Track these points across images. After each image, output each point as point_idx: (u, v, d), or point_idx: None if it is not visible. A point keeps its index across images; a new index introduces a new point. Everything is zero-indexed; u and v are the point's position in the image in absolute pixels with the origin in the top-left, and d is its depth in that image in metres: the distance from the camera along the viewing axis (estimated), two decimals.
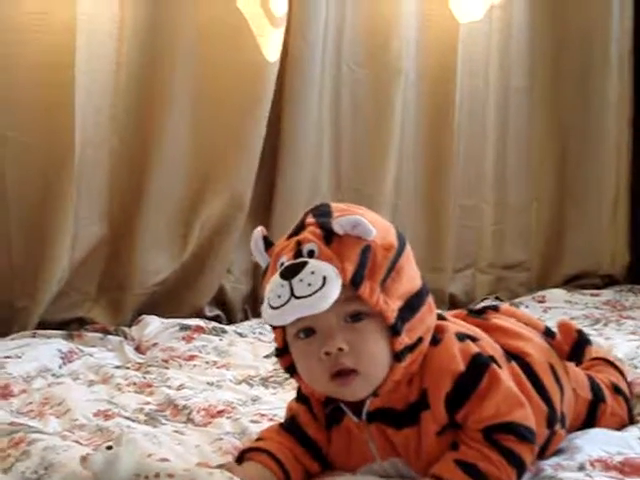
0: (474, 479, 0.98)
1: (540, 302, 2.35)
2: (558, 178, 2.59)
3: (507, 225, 2.54)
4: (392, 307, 0.98)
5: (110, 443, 1.02)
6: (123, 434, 1.15)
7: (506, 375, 1.04)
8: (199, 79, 2.04)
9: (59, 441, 1.10)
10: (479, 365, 1.03)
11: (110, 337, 1.83)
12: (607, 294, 2.43)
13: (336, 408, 1.07)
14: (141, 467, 0.97)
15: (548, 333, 1.17)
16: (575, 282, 2.55)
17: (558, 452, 1.10)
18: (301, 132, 2.17)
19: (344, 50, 2.25)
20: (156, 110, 2.01)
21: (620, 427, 1.21)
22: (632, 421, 1.23)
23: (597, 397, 1.20)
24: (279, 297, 0.97)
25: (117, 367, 1.62)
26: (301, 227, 1.02)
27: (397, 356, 1.00)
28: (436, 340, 1.04)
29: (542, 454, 1.08)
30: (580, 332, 1.15)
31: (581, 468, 1.05)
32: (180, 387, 1.48)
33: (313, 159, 2.22)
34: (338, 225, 0.99)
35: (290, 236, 1.02)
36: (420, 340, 1.01)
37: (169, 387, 1.48)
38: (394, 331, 0.99)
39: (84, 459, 0.98)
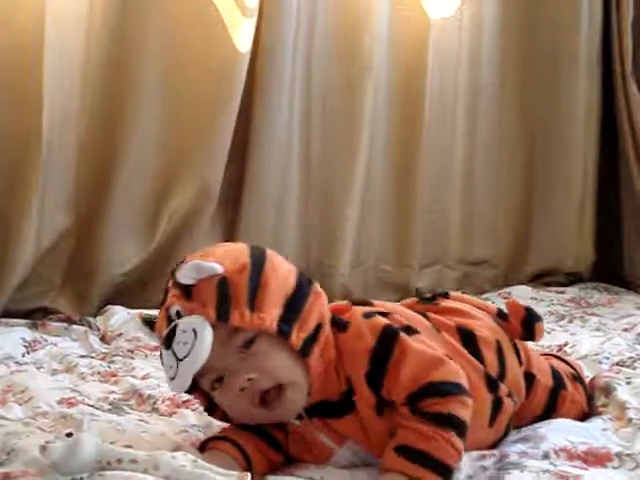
0: (418, 462, 0.98)
1: (505, 298, 2.36)
2: (526, 176, 2.60)
3: (475, 222, 2.55)
4: (270, 318, 1.01)
5: (70, 430, 1.01)
6: (84, 420, 1.14)
7: (418, 340, 1.05)
8: (170, 69, 2.03)
9: (21, 427, 1.09)
10: (388, 336, 1.04)
11: (75, 327, 1.81)
12: (572, 291, 2.45)
13: None
14: (103, 453, 0.96)
15: (500, 315, 1.19)
16: (541, 279, 2.56)
17: (523, 440, 1.11)
18: (271, 123, 2.17)
19: (315, 44, 2.25)
20: (126, 99, 1.99)
21: (580, 416, 1.22)
22: (592, 412, 1.25)
23: (558, 384, 1.22)
24: (170, 367, 1.01)
25: (82, 357, 1.60)
26: (166, 293, 1.06)
27: (303, 352, 1.02)
28: (344, 325, 1.07)
29: (491, 425, 1.09)
30: (528, 309, 1.18)
31: (545, 456, 1.05)
32: (145, 377, 1.47)
33: (283, 151, 2.21)
34: (183, 278, 1.03)
35: (161, 305, 1.06)
36: (319, 327, 1.04)
37: (134, 377, 1.46)
38: (284, 336, 1.01)
39: (44, 448, 0.97)
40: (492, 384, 1.10)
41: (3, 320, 1.81)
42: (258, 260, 1.05)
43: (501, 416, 1.11)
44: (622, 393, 1.26)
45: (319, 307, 1.05)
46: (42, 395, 1.27)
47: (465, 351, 1.10)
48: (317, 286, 1.08)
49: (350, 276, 2.32)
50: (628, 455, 1.04)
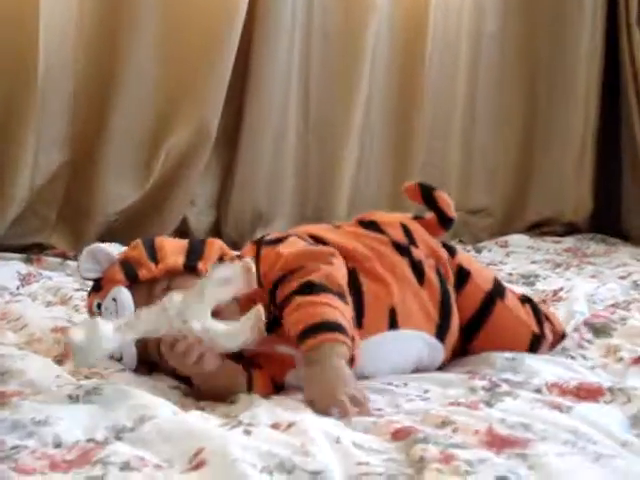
0: (310, 336, 1.01)
1: (502, 247, 2.37)
2: (526, 125, 2.59)
3: (473, 170, 2.54)
4: (173, 260, 1.14)
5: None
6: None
7: (285, 245, 1.13)
8: (167, 6, 2.00)
9: (15, 351, 1.09)
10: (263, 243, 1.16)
11: (69, 262, 1.80)
12: (569, 241, 2.45)
13: None
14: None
15: (416, 218, 1.26)
16: (538, 229, 2.56)
17: (512, 370, 1.12)
18: (270, 63, 2.15)
19: None
20: (123, 36, 1.97)
21: (528, 337, 1.22)
22: (556, 343, 1.26)
23: (496, 291, 1.23)
24: None
25: (76, 290, 1.60)
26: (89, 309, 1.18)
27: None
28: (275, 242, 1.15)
29: (421, 284, 1.15)
30: (421, 184, 1.28)
31: (537, 391, 1.06)
32: None
33: (282, 92, 2.19)
34: (86, 272, 1.17)
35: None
36: (222, 258, 1.15)
37: None
38: (191, 269, 1.13)
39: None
40: (402, 249, 1.18)
41: None
42: (147, 238, 1.20)
43: (428, 275, 1.17)
44: (617, 337, 1.27)
45: (217, 247, 1.18)
46: (36, 323, 1.27)
47: (366, 231, 1.20)
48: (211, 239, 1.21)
49: (347, 217, 2.31)
50: (620, 390, 1.04)
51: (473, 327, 1.22)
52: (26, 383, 0.98)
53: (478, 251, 2.33)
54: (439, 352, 1.18)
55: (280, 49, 2.15)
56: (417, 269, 1.17)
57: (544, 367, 1.14)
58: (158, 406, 0.93)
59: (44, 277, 1.68)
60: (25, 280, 1.65)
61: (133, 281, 1.13)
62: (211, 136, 2.06)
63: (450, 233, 2.45)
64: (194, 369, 1.03)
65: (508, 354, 1.19)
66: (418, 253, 1.19)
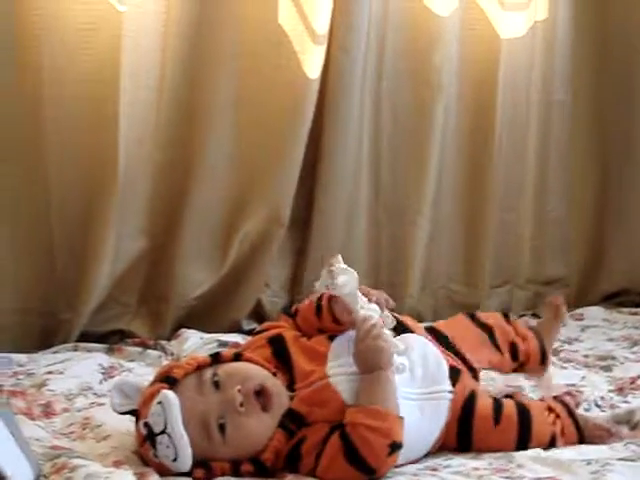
0: None
1: (578, 320, 2.34)
2: (599, 193, 2.56)
3: (546, 240, 2.52)
4: (203, 357, 1.33)
5: None
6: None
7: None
8: (240, 96, 2.06)
9: (100, 467, 1.13)
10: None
11: (149, 351, 1.85)
12: None
13: None
14: None
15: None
16: (614, 299, 2.53)
17: None
18: (341, 147, 2.18)
19: (385, 65, 2.25)
20: (198, 126, 2.03)
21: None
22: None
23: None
24: (167, 449, 1.21)
25: None
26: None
27: None
28: None
29: None
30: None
31: None
32: None
33: (352, 174, 2.23)
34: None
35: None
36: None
37: None
38: (216, 360, 1.31)
39: None
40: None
41: (82, 344, 1.87)
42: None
43: None
44: None
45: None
46: (116, 429, 1.31)
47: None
48: None
49: (419, 297, 2.33)
50: None
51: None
52: None
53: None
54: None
55: (350, 132, 2.19)
56: None
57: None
58: None
59: (125, 369, 1.73)
60: (107, 373, 1.69)
61: (171, 383, 1.22)
62: (284, 221, 2.10)
63: (523, 306, 2.48)
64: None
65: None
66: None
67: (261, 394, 1.24)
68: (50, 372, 1.64)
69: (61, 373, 1.63)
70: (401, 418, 1.25)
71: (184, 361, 1.31)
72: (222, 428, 1.21)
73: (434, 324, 1.63)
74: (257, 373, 1.27)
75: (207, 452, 1.21)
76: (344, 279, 1.32)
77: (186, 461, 1.18)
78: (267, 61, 2.06)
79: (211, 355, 1.31)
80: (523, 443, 1.36)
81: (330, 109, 2.16)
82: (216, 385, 1.24)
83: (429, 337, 1.45)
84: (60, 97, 1.89)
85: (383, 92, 2.26)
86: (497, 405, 1.40)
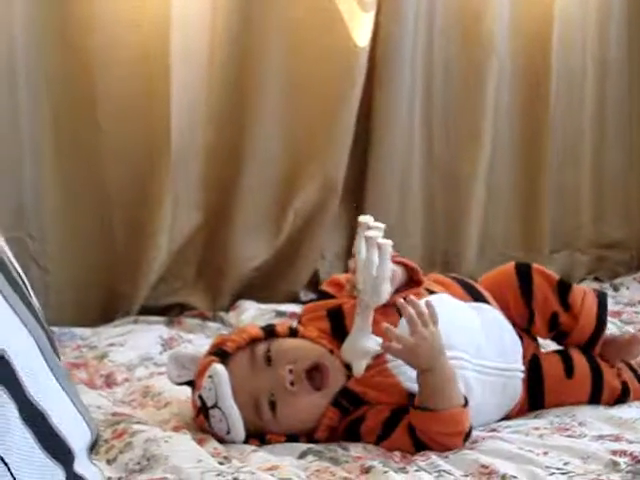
0: None
1: None
2: None
3: (606, 203, 2.47)
4: (256, 330, 1.30)
5: None
6: None
7: None
8: (291, 66, 2.05)
9: (160, 432, 1.15)
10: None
11: (209, 323, 1.87)
12: None
13: None
14: None
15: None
16: None
17: None
18: (392, 115, 2.17)
19: (435, 31, 2.22)
20: (249, 98, 2.03)
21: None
22: None
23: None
24: (220, 422, 1.23)
25: None
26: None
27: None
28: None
29: None
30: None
31: None
32: None
33: (405, 141, 2.21)
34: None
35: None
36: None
37: None
38: (269, 334, 1.30)
39: None
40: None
41: (142, 318, 1.89)
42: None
43: None
44: None
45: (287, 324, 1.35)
46: (177, 398, 1.33)
47: None
48: None
49: (477, 263, 2.30)
50: None
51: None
52: (170, 469, 1.03)
53: (615, 289, 2.27)
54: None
55: (402, 99, 2.17)
56: None
57: None
58: None
59: (184, 340, 1.75)
60: (167, 344, 1.72)
61: (223, 356, 1.22)
62: (337, 191, 2.10)
63: (585, 270, 2.44)
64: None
65: None
66: None
67: (315, 372, 1.22)
68: (112, 344, 1.67)
69: (122, 345, 1.66)
70: (466, 405, 1.20)
71: (237, 333, 1.29)
72: (273, 405, 1.20)
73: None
74: (311, 351, 1.24)
75: (260, 427, 1.22)
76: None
77: (239, 435, 1.19)
78: (315, 30, 2.05)
79: (265, 328, 1.28)
80: (597, 395, 1.34)
81: (381, 76, 2.14)
82: (268, 361, 1.22)
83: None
84: (110, 77, 1.91)
85: (434, 57, 2.24)
86: (565, 358, 1.37)
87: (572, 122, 2.41)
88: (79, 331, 1.77)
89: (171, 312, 2.01)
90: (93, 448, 0.85)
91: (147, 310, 1.98)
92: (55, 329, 1.78)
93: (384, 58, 2.13)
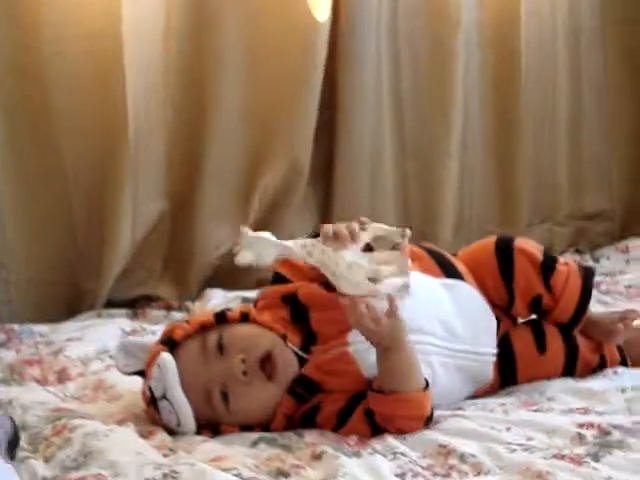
0: None
1: (623, 252, 2.25)
2: (637, 119, 2.45)
3: (585, 173, 2.42)
4: (207, 317, 1.27)
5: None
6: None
7: None
8: (250, 45, 1.99)
9: (100, 426, 1.10)
10: None
11: (174, 313, 1.82)
12: None
13: None
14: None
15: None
16: None
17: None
18: (358, 92, 2.11)
19: (400, 5, 2.17)
20: (208, 79, 1.97)
21: None
22: None
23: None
24: (170, 414, 1.18)
25: None
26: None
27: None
28: None
29: None
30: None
31: None
32: None
33: (373, 119, 2.15)
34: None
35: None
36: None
37: None
38: (221, 320, 1.25)
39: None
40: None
41: (105, 311, 1.84)
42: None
43: None
44: None
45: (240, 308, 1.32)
46: (129, 389, 1.28)
47: None
48: None
49: (453, 242, 2.25)
50: None
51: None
52: (107, 464, 0.98)
53: (596, 260, 2.23)
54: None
55: (367, 76, 2.11)
56: None
57: None
58: None
59: (148, 332, 1.70)
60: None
61: (172, 345, 1.17)
62: (304, 173, 2.04)
63: (565, 243, 2.39)
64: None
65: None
66: None
67: (267, 362, 1.17)
68: (69, 339, 1.61)
69: (80, 340, 1.61)
70: (427, 388, 1.15)
71: (186, 321, 1.25)
72: (225, 397, 1.15)
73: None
74: (263, 339, 1.19)
75: (212, 419, 1.17)
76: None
77: (189, 426, 1.14)
78: (274, 6, 1.99)
79: (216, 314, 1.23)
80: (570, 369, 1.29)
81: (344, 53, 2.08)
82: (220, 350, 1.17)
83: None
84: (65, 53, 1.83)
85: (399, 31, 2.18)
86: (538, 331, 1.31)
87: (546, 93, 2.36)
88: (38, 328, 1.72)
89: (138, 304, 1.95)
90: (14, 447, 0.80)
91: (113, 304, 1.92)
92: (15, 326, 1.73)
93: (347, 34, 2.07)
